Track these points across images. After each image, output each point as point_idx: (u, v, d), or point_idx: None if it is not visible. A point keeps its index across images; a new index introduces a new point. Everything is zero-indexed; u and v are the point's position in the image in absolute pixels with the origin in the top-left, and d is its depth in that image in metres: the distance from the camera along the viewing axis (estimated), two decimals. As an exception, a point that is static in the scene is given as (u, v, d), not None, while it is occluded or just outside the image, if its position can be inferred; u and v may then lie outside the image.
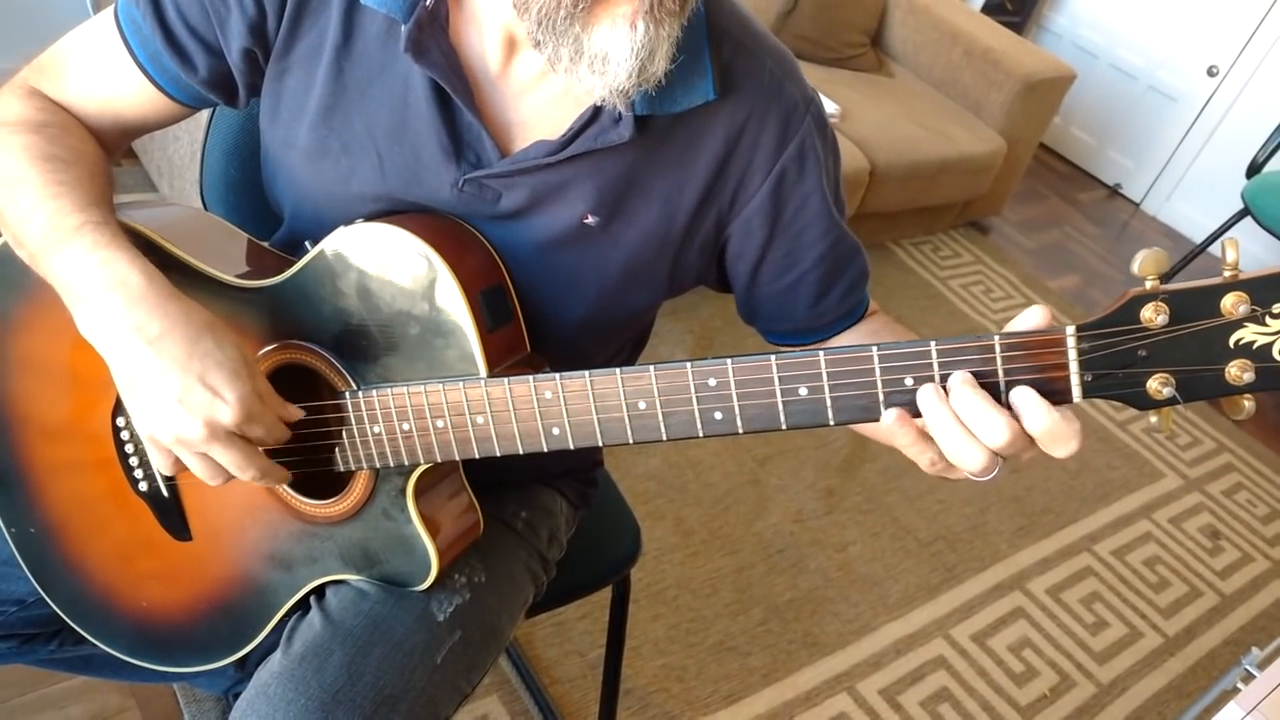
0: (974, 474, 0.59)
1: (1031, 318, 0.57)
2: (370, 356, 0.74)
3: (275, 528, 0.82)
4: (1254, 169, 3.16)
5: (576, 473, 1.07)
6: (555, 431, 0.69)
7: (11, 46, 1.88)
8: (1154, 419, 0.57)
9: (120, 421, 0.83)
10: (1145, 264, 0.53)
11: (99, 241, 0.68)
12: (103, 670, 1.08)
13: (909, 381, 0.58)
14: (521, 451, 0.71)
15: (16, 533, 0.89)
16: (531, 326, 0.78)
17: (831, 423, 0.61)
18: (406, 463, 0.75)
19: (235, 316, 0.77)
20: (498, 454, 0.72)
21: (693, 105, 0.74)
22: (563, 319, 0.82)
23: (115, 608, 0.89)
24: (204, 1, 0.75)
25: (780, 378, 0.61)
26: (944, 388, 0.58)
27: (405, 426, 0.73)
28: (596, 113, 0.73)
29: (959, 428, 0.57)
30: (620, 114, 0.72)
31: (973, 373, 0.57)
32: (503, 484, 0.97)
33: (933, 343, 0.57)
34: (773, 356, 0.61)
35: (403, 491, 0.77)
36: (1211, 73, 3.77)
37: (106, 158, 0.81)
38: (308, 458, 0.78)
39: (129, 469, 0.84)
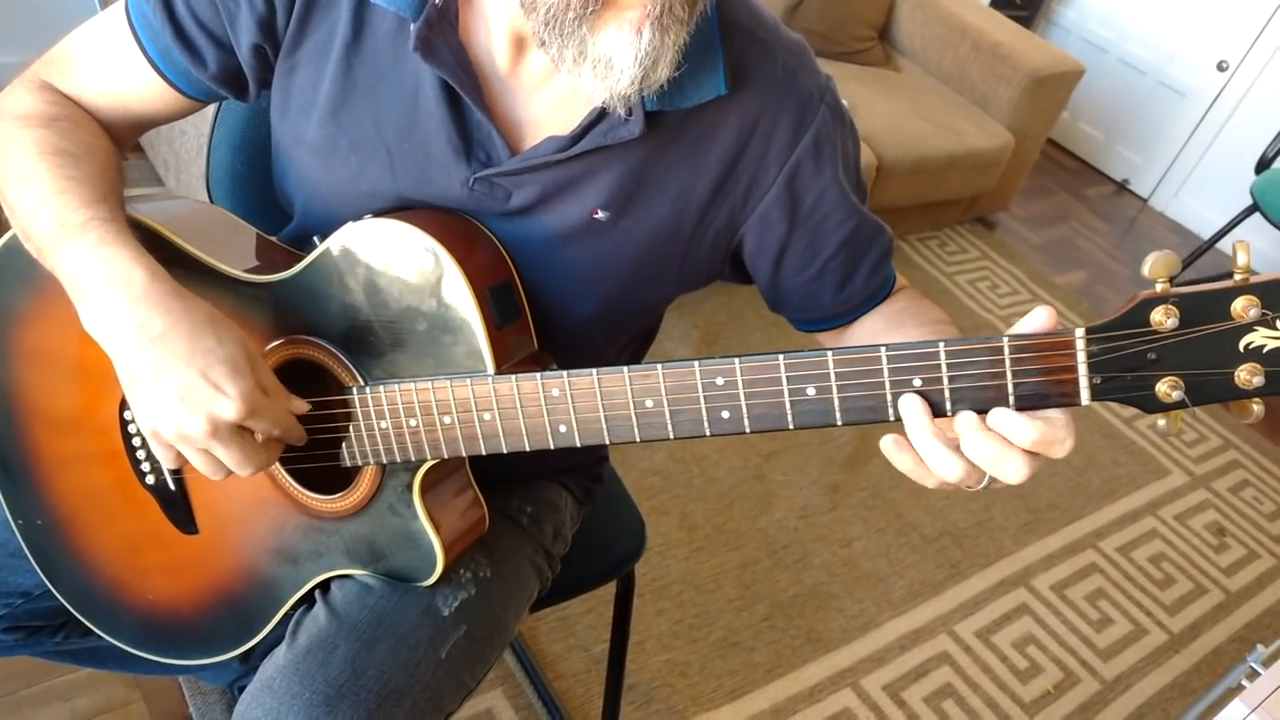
0: (961, 484, 0.60)
1: (1036, 319, 0.57)
2: (378, 352, 0.74)
3: (281, 522, 0.82)
4: (1263, 164, 3.14)
5: (582, 468, 1.07)
6: (562, 429, 0.69)
7: (18, 41, 1.88)
8: (1162, 422, 0.56)
9: (128, 415, 0.83)
10: (1156, 267, 0.53)
11: (103, 238, 0.68)
12: (108, 662, 1.08)
13: (917, 382, 0.58)
14: (528, 449, 0.71)
15: (24, 524, 0.89)
16: (540, 322, 0.78)
17: (839, 423, 0.61)
18: (413, 458, 0.75)
19: (242, 311, 0.77)
20: (505, 451, 0.72)
21: (704, 100, 0.74)
22: (572, 315, 0.81)
23: (121, 600, 0.89)
24: None
25: (788, 378, 0.61)
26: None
27: (412, 422, 0.73)
28: (606, 109, 0.72)
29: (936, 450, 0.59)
30: (630, 110, 0.71)
31: (981, 374, 0.57)
32: (508, 479, 0.98)
33: (941, 344, 0.57)
34: (780, 356, 0.61)
35: (409, 487, 0.77)
36: (1221, 68, 3.75)
37: (117, 151, 0.81)
38: (315, 453, 0.78)
39: (136, 462, 0.85)
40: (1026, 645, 1.88)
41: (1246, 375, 0.52)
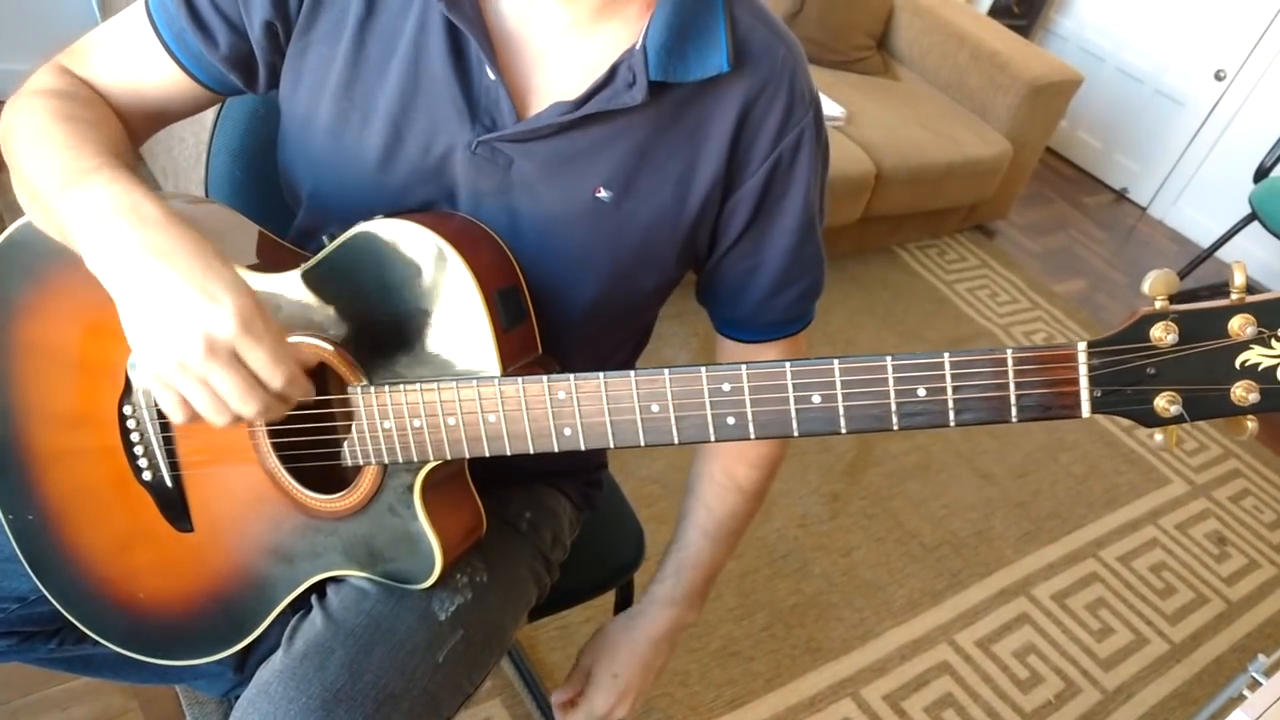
0: None
1: None
2: (383, 352, 0.74)
3: (279, 521, 0.82)
4: (1261, 173, 3.15)
5: (581, 474, 1.07)
6: (567, 432, 0.69)
7: (21, 49, 1.88)
8: (1159, 437, 0.58)
9: (127, 410, 0.83)
10: (1156, 284, 0.54)
11: (115, 178, 0.67)
12: (103, 670, 1.08)
13: (922, 392, 0.59)
14: (533, 451, 0.71)
15: (14, 519, 0.88)
16: (538, 311, 0.78)
17: (843, 431, 0.61)
18: (416, 459, 0.75)
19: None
20: (508, 453, 0.72)
21: (707, 75, 0.74)
22: (570, 302, 0.81)
23: (111, 597, 0.89)
24: None
25: (794, 384, 0.61)
26: None
27: (416, 423, 0.73)
28: (612, 76, 0.73)
29: None
30: (635, 77, 0.72)
31: (985, 384, 0.58)
32: (507, 484, 0.97)
33: (946, 355, 0.58)
34: (787, 364, 0.61)
35: (410, 488, 0.77)
36: (1219, 77, 3.77)
37: (129, 138, 0.81)
38: (317, 451, 0.78)
39: (133, 458, 0.84)
40: (1027, 655, 1.88)
41: (1242, 392, 0.54)
